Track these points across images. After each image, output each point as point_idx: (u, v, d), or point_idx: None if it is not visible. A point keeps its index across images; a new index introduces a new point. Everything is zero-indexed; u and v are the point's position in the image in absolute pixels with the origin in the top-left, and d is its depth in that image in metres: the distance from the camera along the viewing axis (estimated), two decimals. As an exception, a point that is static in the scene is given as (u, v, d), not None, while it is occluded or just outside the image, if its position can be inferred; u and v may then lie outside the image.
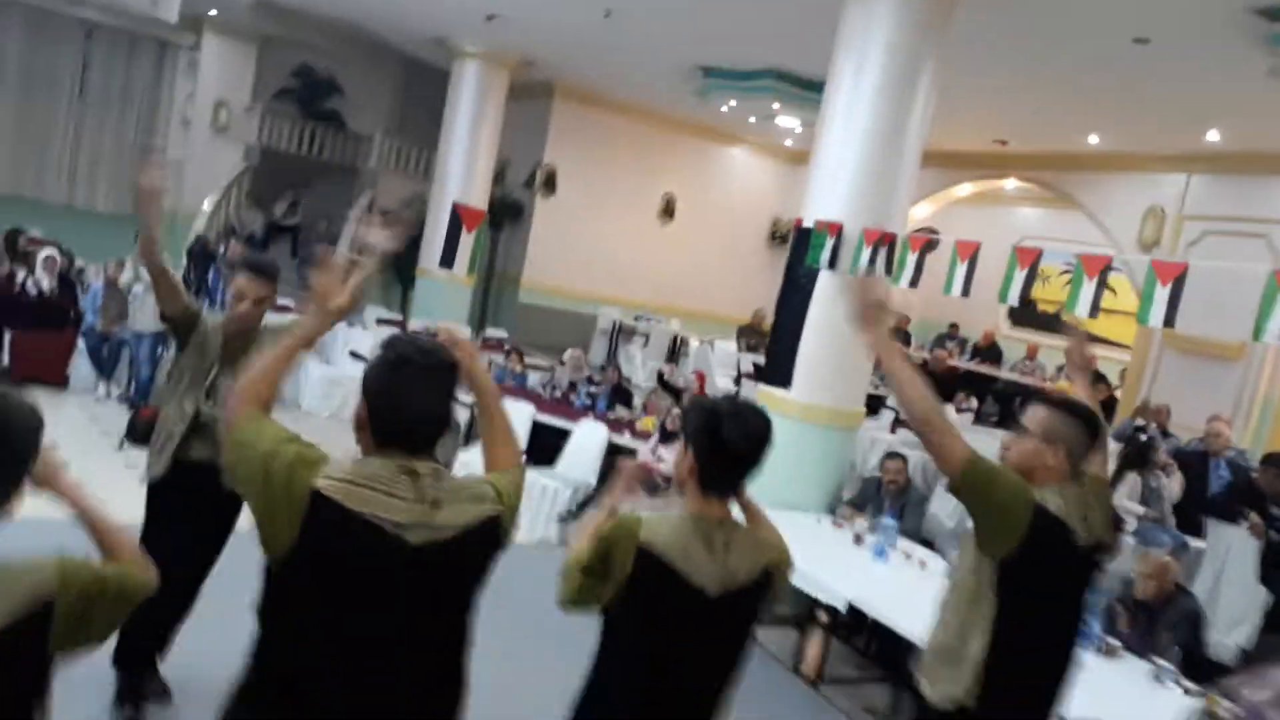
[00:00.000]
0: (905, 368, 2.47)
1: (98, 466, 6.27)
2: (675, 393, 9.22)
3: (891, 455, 6.24)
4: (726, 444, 2.16)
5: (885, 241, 6.09)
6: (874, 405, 8.74)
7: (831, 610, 4.83)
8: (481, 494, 1.99)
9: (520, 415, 7.78)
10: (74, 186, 14.27)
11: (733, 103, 11.66)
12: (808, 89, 10.29)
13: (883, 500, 6.09)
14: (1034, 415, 2.63)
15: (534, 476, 7.19)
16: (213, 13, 13.62)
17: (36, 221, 11.17)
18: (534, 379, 9.08)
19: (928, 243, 6.31)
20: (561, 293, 14.28)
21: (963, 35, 6.76)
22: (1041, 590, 2.51)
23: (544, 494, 6.84)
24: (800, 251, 6.44)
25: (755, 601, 2.23)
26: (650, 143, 14.78)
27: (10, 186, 13.66)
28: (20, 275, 8.75)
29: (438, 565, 1.87)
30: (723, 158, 15.52)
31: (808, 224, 6.44)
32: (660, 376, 10.20)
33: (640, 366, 12.39)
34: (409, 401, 1.89)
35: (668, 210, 15.30)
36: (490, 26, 10.94)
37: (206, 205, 13.74)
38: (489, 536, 1.96)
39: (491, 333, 12.49)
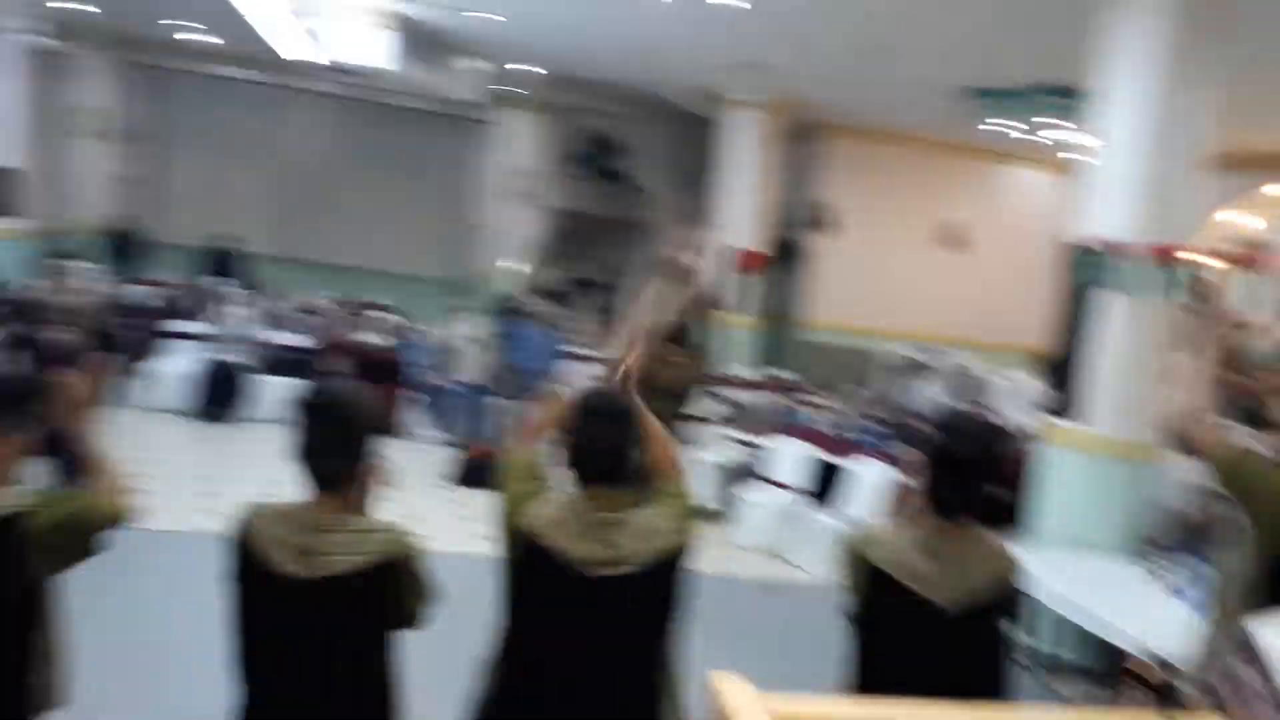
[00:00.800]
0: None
1: (429, 506, 7.15)
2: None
3: (1204, 490, 5.80)
4: (952, 455, 2.25)
5: (1170, 256, 5.72)
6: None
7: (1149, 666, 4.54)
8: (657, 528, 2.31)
9: (802, 454, 7.96)
10: (405, 254, 16.23)
11: (1008, 121, 11.29)
12: (1082, 100, 9.78)
13: (1194, 542, 5.66)
14: None
15: (815, 514, 7.34)
16: (516, 90, 15.06)
17: (378, 288, 12.82)
18: (817, 417, 9.22)
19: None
20: (845, 329, 14.29)
21: (1253, 21, 6.22)
22: None
23: (825, 532, 6.95)
24: (1079, 272, 6.17)
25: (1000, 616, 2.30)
26: (928, 169, 14.53)
27: (360, 259, 15.79)
28: (362, 335, 10.12)
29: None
30: (1005, 178, 14.94)
31: (1085, 241, 6.16)
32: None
33: (927, 401, 12.13)
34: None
35: (952, 238, 14.92)
36: (755, 74, 11.33)
37: (513, 266, 15.10)
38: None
39: (775, 373, 12.73)
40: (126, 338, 9.72)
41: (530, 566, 2.29)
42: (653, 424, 2.52)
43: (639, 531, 2.27)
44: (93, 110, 14.68)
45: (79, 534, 2.28)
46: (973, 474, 2.28)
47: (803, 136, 14.23)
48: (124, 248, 13.63)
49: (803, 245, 14.64)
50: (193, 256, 13.62)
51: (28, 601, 2.26)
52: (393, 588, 2.23)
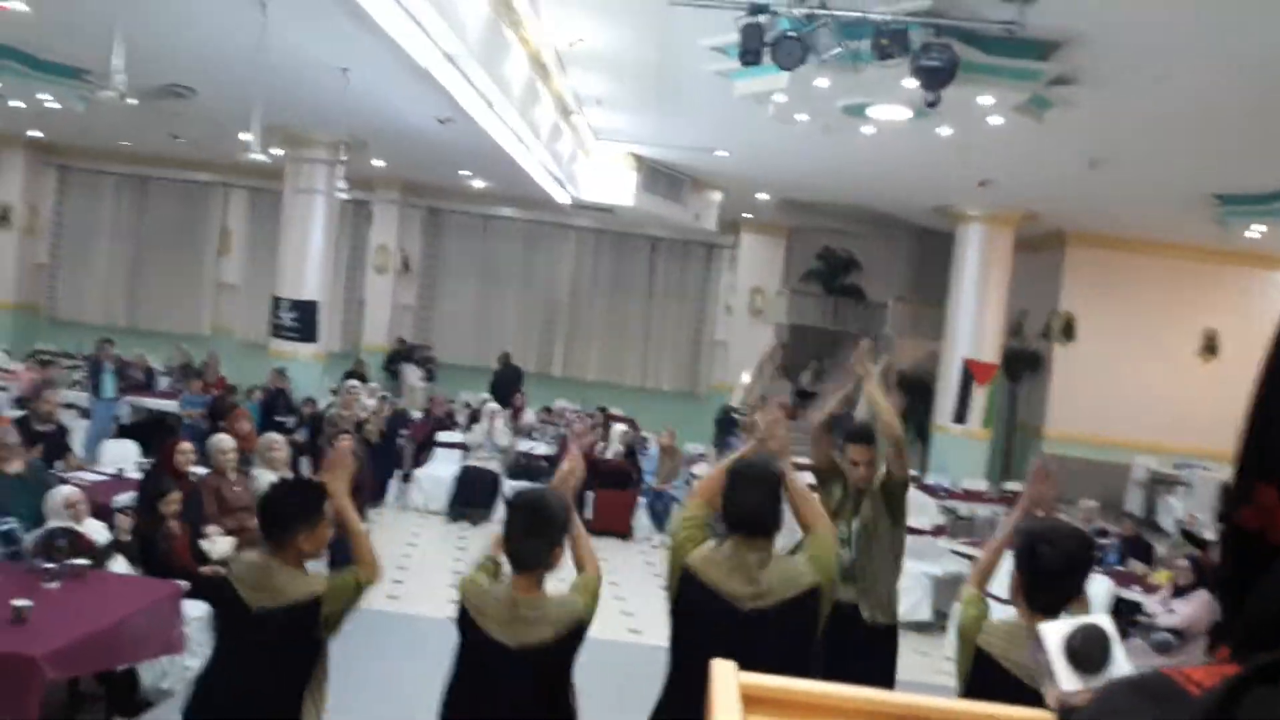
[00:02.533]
0: None
1: (644, 602, 7.66)
2: (1200, 544, 8.47)
3: None
4: (1042, 564, 2.51)
5: None
6: None
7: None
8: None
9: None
10: (645, 369, 17.27)
11: (1260, 227, 10.72)
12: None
13: None
14: None
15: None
16: (746, 215, 15.92)
17: (620, 400, 13.78)
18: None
19: None
20: (1089, 441, 13.69)
21: None
22: None
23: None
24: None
25: None
26: (1179, 276, 13.86)
27: (604, 374, 17.00)
28: (600, 445, 10.95)
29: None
30: (1256, 282, 13.91)
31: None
32: (1183, 528, 9.41)
33: (1181, 517, 11.38)
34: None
35: (1209, 347, 14.04)
36: (988, 190, 11.45)
37: (744, 379, 15.71)
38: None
39: (1013, 486, 12.40)
40: (401, 446, 11.12)
41: (690, 600, 2.82)
42: (801, 486, 3.00)
43: (784, 572, 2.78)
44: (381, 247, 16.93)
45: (351, 604, 3.02)
46: (1065, 581, 2.54)
47: (1039, 246, 14.06)
48: (400, 367, 15.43)
49: (1041, 355, 14.29)
50: (459, 374, 15.25)
51: (314, 662, 3.00)
52: (573, 649, 2.82)
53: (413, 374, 13.34)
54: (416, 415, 12.28)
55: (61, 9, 7.76)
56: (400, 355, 15.67)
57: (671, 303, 17.41)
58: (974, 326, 12.89)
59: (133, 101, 8.81)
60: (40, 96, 10.33)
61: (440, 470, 10.66)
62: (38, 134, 15.43)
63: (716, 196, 13.97)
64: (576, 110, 10.38)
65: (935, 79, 5.85)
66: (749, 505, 2.83)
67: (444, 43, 6.09)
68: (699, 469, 10.62)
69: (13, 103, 11.25)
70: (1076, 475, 13.24)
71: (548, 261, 17.56)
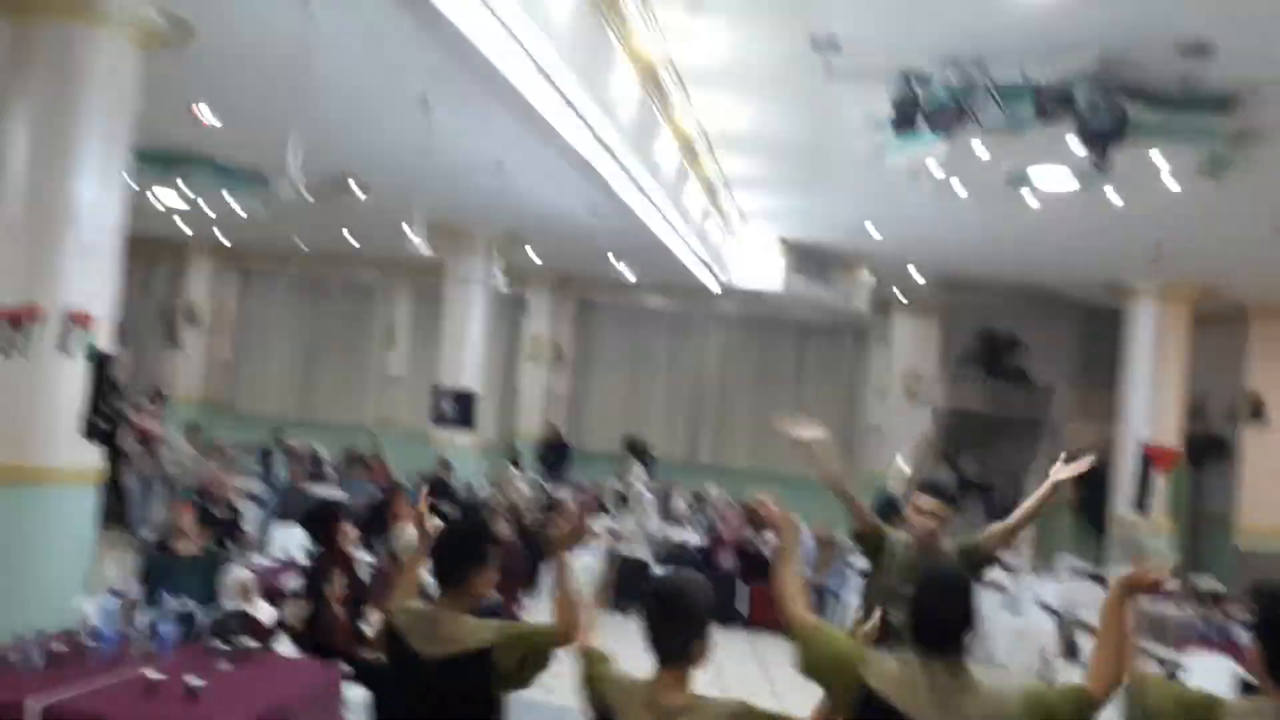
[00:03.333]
0: None
1: (802, 699, 7.27)
2: None
3: None
4: None
5: None
6: None
7: None
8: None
9: (1225, 670, 7.10)
10: (795, 456, 16.85)
11: None
12: None
13: None
14: None
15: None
16: (899, 295, 15.55)
17: (769, 489, 13.44)
18: (1243, 630, 8.15)
19: None
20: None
21: None
22: None
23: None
24: None
25: None
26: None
27: (753, 462, 16.73)
28: (754, 535, 10.67)
29: None
30: None
31: None
32: None
33: None
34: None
35: None
36: (1162, 263, 10.80)
37: (900, 464, 15.12)
38: None
39: (1201, 582, 11.35)
40: (551, 532, 11.15)
41: None
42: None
43: (987, 702, 2.42)
44: (535, 337, 17.34)
45: (531, 663, 2.88)
46: None
47: (1219, 322, 13.12)
48: (554, 454, 15.60)
49: (1227, 439, 13.21)
50: (606, 462, 15.28)
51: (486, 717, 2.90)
52: None
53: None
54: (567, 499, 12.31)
55: (244, 117, 8.39)
56: (550, 443, 15.82)
57: (821, 387, 17.05)
58: (1150, 410, 12.07)
59: (309, 199, 9.38)
60: (227, 200, 11.15)
61: (587, 558, 10.60)
62: (223, 241, 16.65)
63: (867, 277, 13.72)
64: (724, 192, 10.43)
65: (1103, 140, 5.58)
66: (943, 616, 2.50)
67: (599, 129, 6.22)
68: (857, 561, 10.19)
69: (202, 209, 12.18)
70: (1276, 571, 12.05)
71: (695, 349, 17.58)
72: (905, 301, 15.77)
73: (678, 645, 2.56)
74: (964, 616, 2.51)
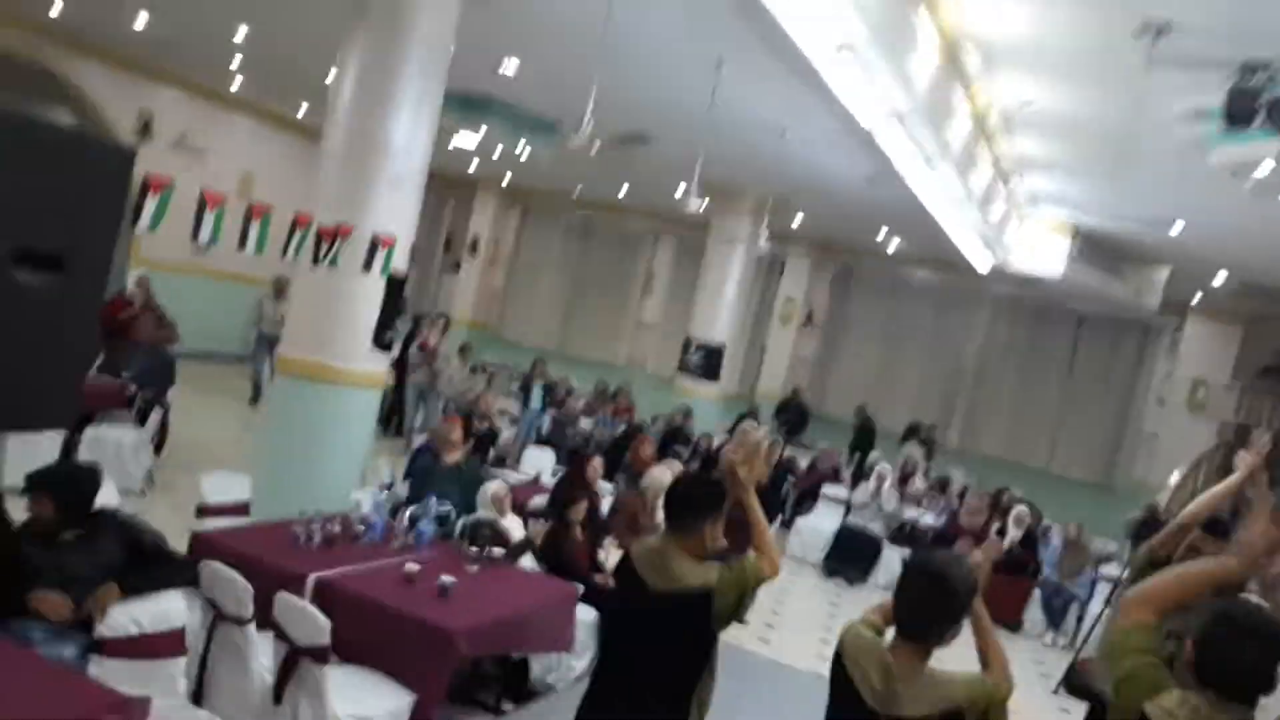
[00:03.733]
0: None
1: (1029, 705, 6.97)
2: None
3: None
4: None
5: None
6: None
7: None
8: None
9: None
10: (1054, 452, 15.92)
11: None
12: None
13: None
14: None
15: None
16: (1195, 298, 14.16)
17: (1020, 482, 12.77)
18: None
19: None
20: None
21: None
22: None
23: None
24: None
25: None
26: None
27: (1007, 452, 15.95)
28: (996, 526, 10.19)
29: None
30: None
31: None
32: None
33: None
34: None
35: None
36: None
37: (1174, 478, 13.88)
38: None
39: None
40: (786, 493, 11.17)
41: None
42: None
43: None
44: (789, 299, 17.25)
45: (744, 598, 2.99)
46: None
47: None
48: (794, 416, 15.55)
49: None
50: (846, 430, 15.05)
51: (705, 658, 3.03)
52: None
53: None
54: (803, 464, 12.29)
55: (545, 69, 8.80)
56: (791, 404, 15.77)
57: (1094, 385, 15.90)
58: None
59: (597, 145, 9.74)
60: (521, 145, 11.77)
61: (822, 523, 10.55)
62: (508, 179, 17.66)
63: (1164, 273, 12.58)
64: (1016, 174, 9.87)
65: None
66: (1247, 668, 2.21)
67: (892, 100, 6.05)
68: (1107, 569, 9.55)
69: (494, 151, 12.93)
70: None
71: (957, 328, 16.86)
72: (1200, 305, 14.35)
73: (926, 624, 2.55)
74: (1269, 669, 2.22)
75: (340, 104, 6.19)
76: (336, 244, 6.02)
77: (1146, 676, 2.34)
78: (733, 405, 14.94)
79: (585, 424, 11.82)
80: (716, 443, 11.02)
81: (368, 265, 6.09)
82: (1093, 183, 9.40)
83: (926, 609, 2.55)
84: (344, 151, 6.17)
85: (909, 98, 5.98)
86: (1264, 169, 6.30)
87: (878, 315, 17.50)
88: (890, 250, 15.27)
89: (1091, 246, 11.62)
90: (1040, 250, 11.56)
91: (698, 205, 8.05)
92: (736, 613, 3.02)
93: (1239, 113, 5.11)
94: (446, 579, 4.51)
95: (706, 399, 13.14)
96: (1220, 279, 12.53)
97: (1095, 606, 8.79)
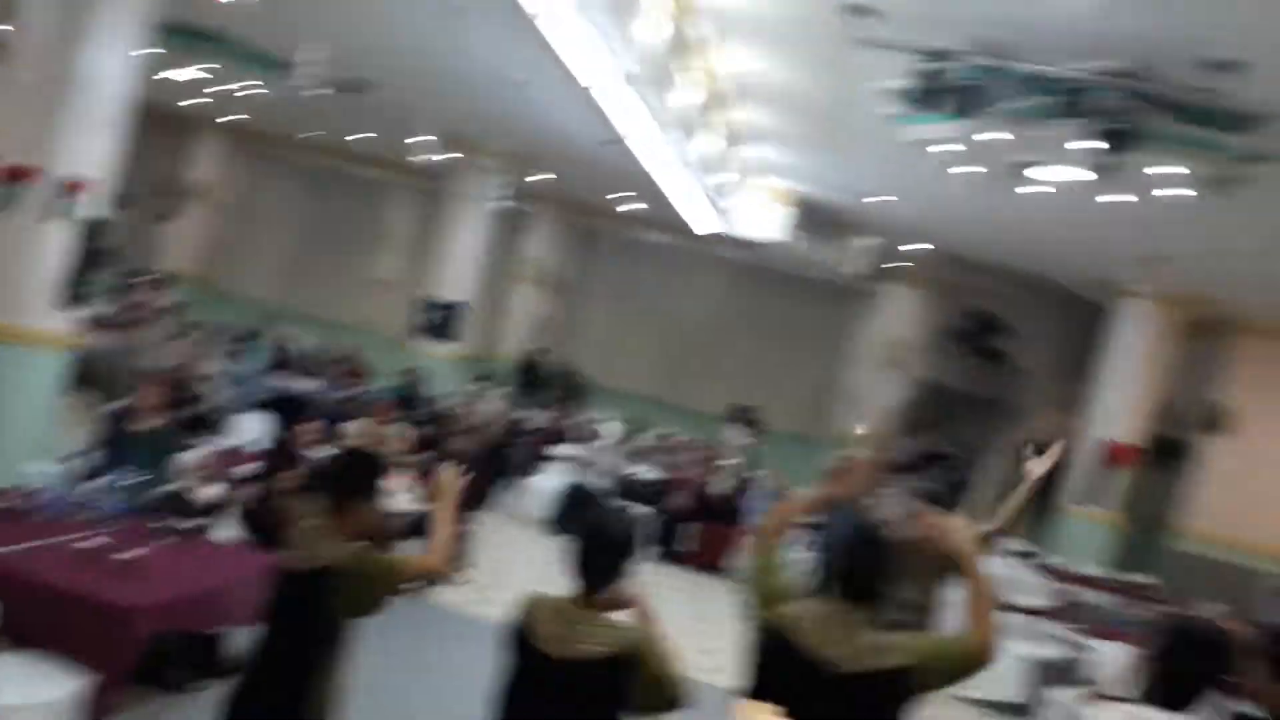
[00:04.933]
0: None
1: (727, 644, 7.40)
2: None
3: None
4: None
5: None
6: None
7: None
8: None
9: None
10: (770, 410, 16.95)
11: None
12: None
13: None
14: None
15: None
16: (896, 265, 15.47)
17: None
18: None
19: None
20: (1228, 542, 12.60)
21: None
22: None
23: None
24: None
25: None
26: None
27: (723, 407, 16.80)
28: (710, 476, 10.78)
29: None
30: None
31: None
32: None
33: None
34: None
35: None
36: (1156, 268, 10.75)
37: (859, 430, 15.17)
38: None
39: (1134, 577, 11.53)
40: (516, 454, 11.21)
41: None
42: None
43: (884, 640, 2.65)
44: (532, 260, 17.24)
45: (379, 589, 2.98)
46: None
47: (1203, 332, 13.13)
48: (531, 377, 15.63)
49: (1190, 446, 13.33)
50: (580, 389, 15.34)
51: (327, 641, 2.99)
52: (627, 676, 2.65)
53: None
54: (535, 424, 12.40)
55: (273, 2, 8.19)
56: (529, 366, 15.84)
57: (810, 344, 17.07)
58: (1120, 408, 12.16)
59: (322, 92, 9.26)
60: (244, 82, 10.94)
61: (549, 483, 10.70)
62: (234, 120, 16.38)
63: (870, 242, 13.65)
64: (741, 143, 10.32)
65: (1118, 143, 5.51)
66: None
67: (613, 65, 6.11)
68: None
69: (217, 87, 11.97)
70: (1207, 575, 12.21)
71: (691, 291, 17.53)
72: (903, 272, 15.71)
73: (596, 572, 2.76)
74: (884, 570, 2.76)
75: (29, 31, 5.51)
76: (18, 188, 5.36)
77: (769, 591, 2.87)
78: (472, 366, 14.80)
79: (310, 387, 11.28)
80: (456, 404, 10.87)
81: (54, 212, 5.47)
82: (811, 153, 10.00)
83: (594, 559, 2.78)
84: (32, 84, 5.49)
85: (635, 61, 6.08)
86: (947, 147, 6.95)
87: (618, 276, 17.84)
88: (632, 211, 15.58)
89: (809, 214, 12.41)
90: (763, 217, 12.21)
91: (429, 154, 7.80)
92: (365, 604, 3.05)
93: (928, 95, 5.58)
94: (129, 554, 4.19)
95: (444, 360, 12.91)
96: (921, 248, 13.78)
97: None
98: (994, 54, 5.56)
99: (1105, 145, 5.55)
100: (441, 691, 5.42)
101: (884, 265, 15.36)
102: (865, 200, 11.22)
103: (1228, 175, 6.57)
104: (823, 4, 5.93)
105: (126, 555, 4.17)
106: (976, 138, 6.50)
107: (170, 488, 5.19)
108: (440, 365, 12.72)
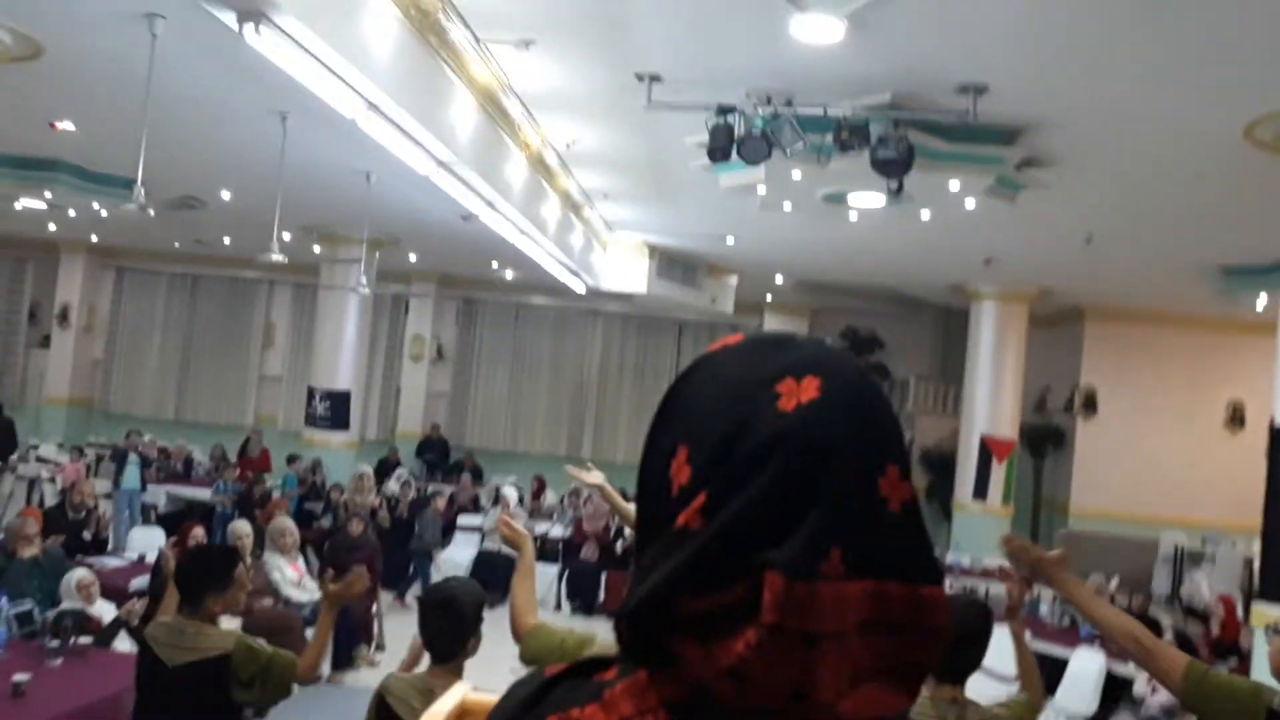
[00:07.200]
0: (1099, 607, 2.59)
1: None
2: (1202, 617, 8.41)
3: None
4: None
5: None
6: None
7: None
8: None
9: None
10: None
11: (1264, 297, 10.72)
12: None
13: None
14: None
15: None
16: (768, 297, 16.22)
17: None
18: (1045, 609, 8.97)
19: None
20: (1114, 517, 13.53)
21: None
22: None
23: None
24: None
25: None
26: (1202, 349, 13.81)
27: (628, 457, 17.21)
28: (613, 527, 11.14)
29: None
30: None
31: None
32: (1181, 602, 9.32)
33: (1207, 593, 11.18)
34: None
35: (1235, 418, 13.89)
36: (998, 266, 11.60)
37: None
38: None
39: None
40: (423, 529, 11.42)
41: None
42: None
43: None
44: (416, 337, 17.51)
45: (274, 682, 3.22)
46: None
47: (1058, 321, 14.13)
48: (434, 453, 15.84)
49: (1064, 430, 14.25)
50: (491, 459, 15.59)
51: None
52: None
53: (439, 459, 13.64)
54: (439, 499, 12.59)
55: (100, 129, 8.47)
56: (429, 443, 16.07)
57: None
58: (991, 403, 12.95)
59: (151, 213, 9.53)
60: (94, 206, 11.08)
61: (459, 554, 10.93)
62: (95, 239, 16.36)
63: (733, 280, 14.32)
64: (587, 204, 10.86)
65: (892, 169, 6.18)
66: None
67: (436, 152, 6.57)
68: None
69: (71, 212, 12.06)
70: (1104, 552, 13.09)
71: (576, 347, 17.98)
72: (773, 303, 16.47)
73: (448, 644, 2.93)
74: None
75: None
76: None
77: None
78: (371, 450, 14.95)
79: (202, 492, 11.35)
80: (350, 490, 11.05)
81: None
82: (652, 207, 10.59)
83: (444, 631, 2.93)
84: None
85: (451, 148, 6.54)
86: (761, 190, 7.59)
87: (505, 343, 18.19)
88: (508, 278, 16.02)
89: (668, 262, 13.02)
90: (626, 270, 12.78)
91: (278, 256, 8.13)
92: (262, 694, 3.26)
93: (718, 148, 6.16)
94: (19, 677, 4.36)
95: (339, 449, 13.05)
96: (779, 280, 14.50)
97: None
98: (772, 102, 6.17)
99: (884, 173, 6.20)
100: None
101: (754, 300, 16.10)
102: (718, 242, 11.87)
103: (1007, 183, 7.36)
104: (615, 75, 6.49)
105: (18, 678, 4.34)
106: (781, 178, 7.18)
107: (61, 608, 5.34)
108: (337, 455, 12.87)
